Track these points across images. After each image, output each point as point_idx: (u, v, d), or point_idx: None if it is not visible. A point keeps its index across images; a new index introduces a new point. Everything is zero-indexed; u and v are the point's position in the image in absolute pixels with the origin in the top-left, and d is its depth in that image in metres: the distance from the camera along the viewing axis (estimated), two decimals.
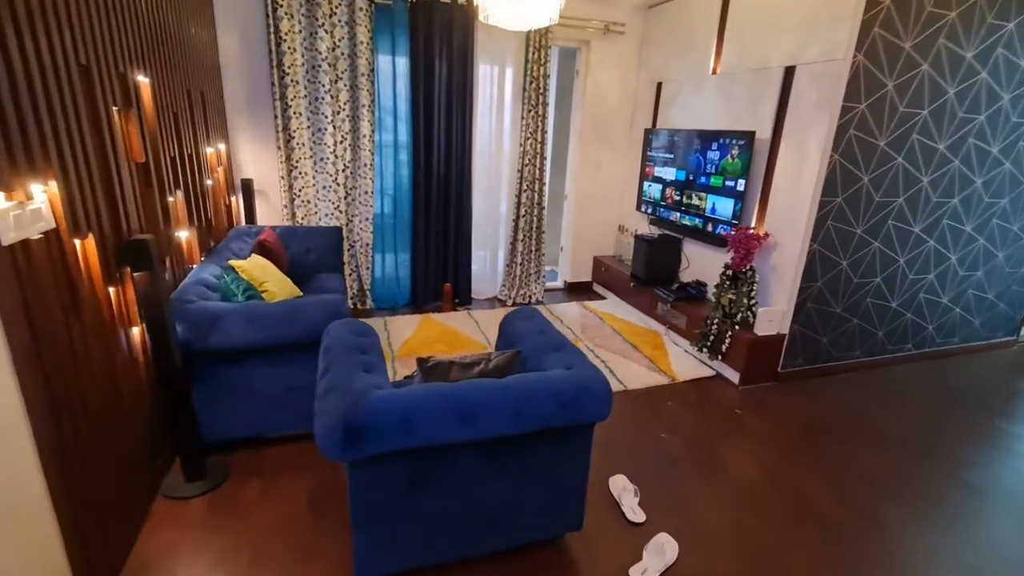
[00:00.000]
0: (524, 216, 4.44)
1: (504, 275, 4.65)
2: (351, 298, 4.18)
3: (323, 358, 1.78)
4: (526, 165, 4.31)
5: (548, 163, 4.51)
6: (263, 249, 3.23)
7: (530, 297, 4.64)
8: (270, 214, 3.92)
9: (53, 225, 1.41)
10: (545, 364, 1.83)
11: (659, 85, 4.35)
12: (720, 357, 3.37)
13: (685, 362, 3.55)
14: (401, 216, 4.22)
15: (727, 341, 3.30)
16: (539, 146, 4.30)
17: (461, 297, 4.46)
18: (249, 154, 3.76)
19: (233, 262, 2.79)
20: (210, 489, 2.13)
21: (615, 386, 3.17)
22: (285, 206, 3.82)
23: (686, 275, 4.13)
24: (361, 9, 3.54)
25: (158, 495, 2.06)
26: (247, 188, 3.71)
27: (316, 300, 2.31)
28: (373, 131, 3.85)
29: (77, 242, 1.52)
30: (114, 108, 1.82)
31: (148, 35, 2.19)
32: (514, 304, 4.55)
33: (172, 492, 2.08)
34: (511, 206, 4.48)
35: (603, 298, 4.86)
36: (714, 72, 3.75)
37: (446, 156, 4.09)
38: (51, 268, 1.40)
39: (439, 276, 4.38)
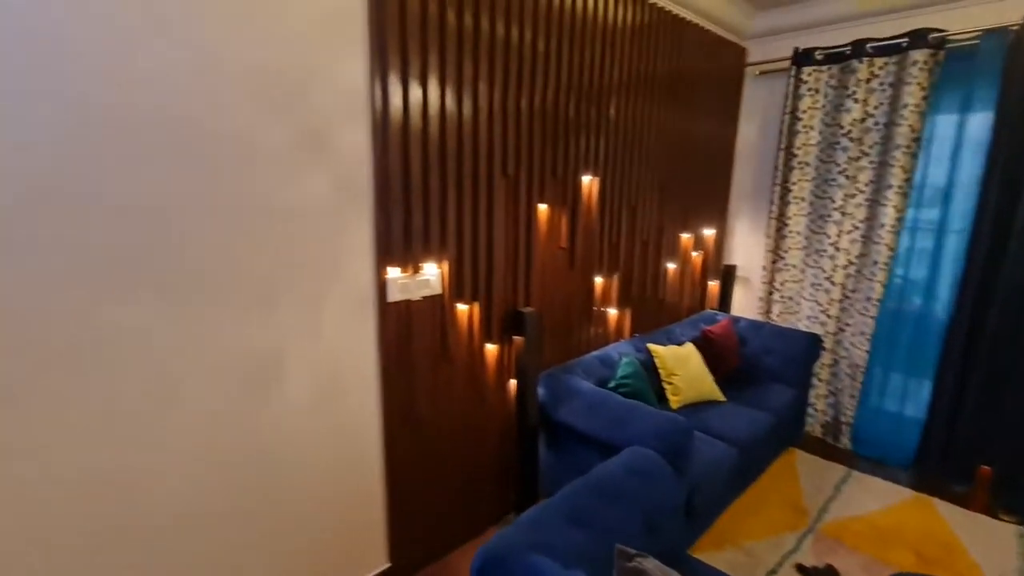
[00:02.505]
0: None
1: None
2: (821, 427, 3.24)
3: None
4: None
5: None
6: (705, 340, 3.06)
7: None
8: (748, 304, 3.60)
9: (439, 292, 1.93)
10: None
11: None
12: None
13: None
14: (923, 338, 2.89)
15: None
16: None
17: (1014, 493, 2.58)
18: (741, 239, 3.59)
19: (652, 345, 2.81)
20: None
21: None
22: (761, 298, 3.41)
23: None
24: (917, 64, 2.64)
25: (492, 528, 2.40)
26: (728, 274, 3.56)
27: (650, 414, 2.00)
28: (900, 219, 2.82)
29: (460, 306, 2.02)
30: (540, 205, 2.25)
31: (608, 146, 2.53)
32: None
33: None
34: None
35: None
36: None
37: None
38: (430, 323, 1.93)
39: (974, 442, 2.70)
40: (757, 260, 3.51)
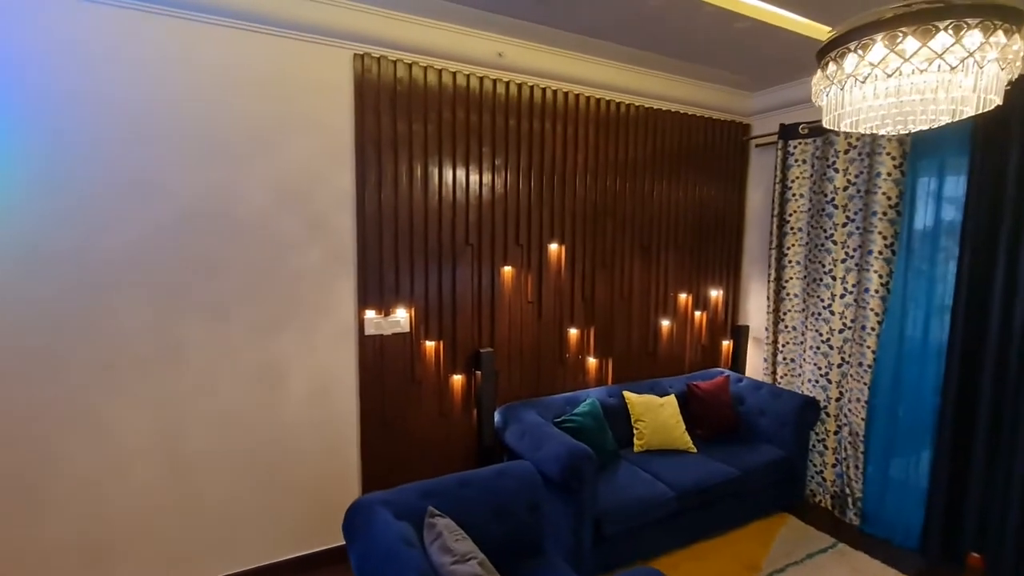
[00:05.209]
0: None
1: None
2: (830, 498, 3.10)
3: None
4: None
5: None
6: (691, 394, 3.24)
7: None
8: (760, 364, 3.62)
9: (407, 330, 2.62)
10: None
11: None
12: None
13: None
14: (916, 407, 2.73)
15: None
16: None
17: None
18: (755, 301, 3.67)
19: (627, 393, 3.11)
20: None
21: None
22: (766, 359, 3.44)
23: None
24: (885, 135, 2.72)
25: None
26: (738, 334, 3.65)
27: (558, 440, 2.38)
28: (885, 284, 2.79)
29: (428, 342, 2.67)
30: (504, 268, 2.84)
31: (576, 218, 3.03)
32: None
33: None
34: None
35: None
36: None
37: None
38: (401, 353, 2.62)
39: (980, 524, 2.45)
40: (761, 323, 3.56)
